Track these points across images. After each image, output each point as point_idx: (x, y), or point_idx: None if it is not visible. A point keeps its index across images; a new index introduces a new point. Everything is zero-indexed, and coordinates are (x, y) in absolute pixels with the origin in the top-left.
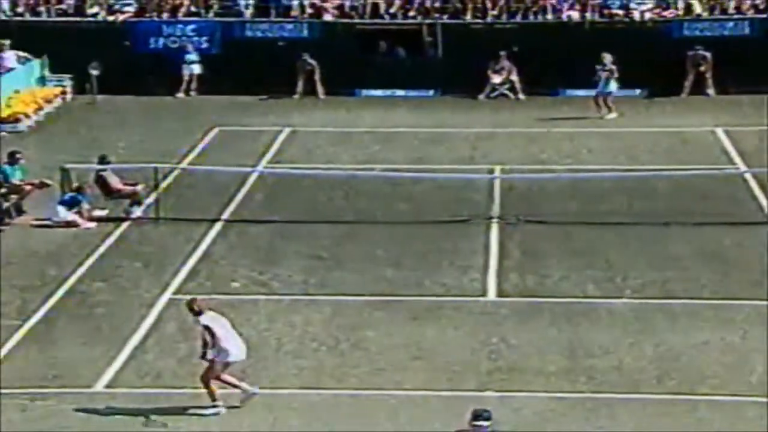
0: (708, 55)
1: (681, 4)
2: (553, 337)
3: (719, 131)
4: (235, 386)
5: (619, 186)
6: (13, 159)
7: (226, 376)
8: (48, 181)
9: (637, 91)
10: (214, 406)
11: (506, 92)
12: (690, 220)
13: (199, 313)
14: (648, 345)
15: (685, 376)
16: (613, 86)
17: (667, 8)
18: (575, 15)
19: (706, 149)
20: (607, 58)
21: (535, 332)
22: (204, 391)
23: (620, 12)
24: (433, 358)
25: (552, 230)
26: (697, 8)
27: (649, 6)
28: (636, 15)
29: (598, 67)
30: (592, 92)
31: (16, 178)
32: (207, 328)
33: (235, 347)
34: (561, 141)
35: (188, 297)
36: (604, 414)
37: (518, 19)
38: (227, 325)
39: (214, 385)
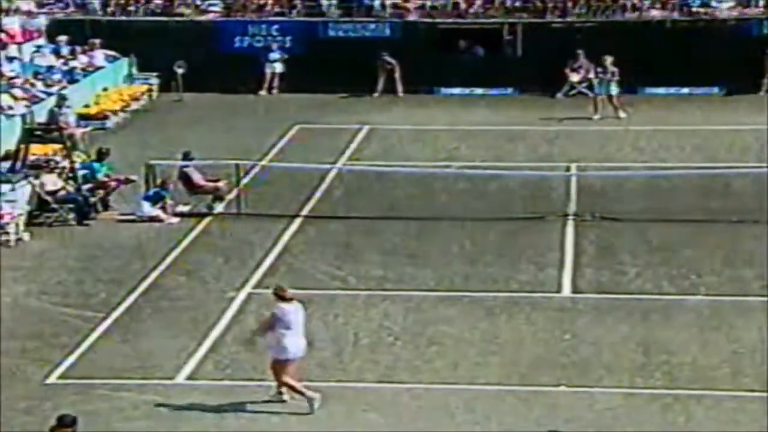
0: None
1: (762, 2)
2: (627, 333)
3: None
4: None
5: (695, 183)
6: (101, 156)
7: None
8: (133, 177)
9: (716, 89)
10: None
11: (584, 90)
12: (765, 217)
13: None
14: (723, 342)
15: (761, 372)
16: (614, 89)
17: (747, 6)
18: (657, 14)
19: None
20: (608, 60)
21: (610, 328)
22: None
23: (701, 10)
24: (508, 354)
25: (627, 227)
26: None
27: (731, 4)
28: (717, 13)
29: (599, 69)
30: (671, 90)
31: (102, 174)
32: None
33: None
34: (638, 139)
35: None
36: (679, 410)
37: (599, 17)
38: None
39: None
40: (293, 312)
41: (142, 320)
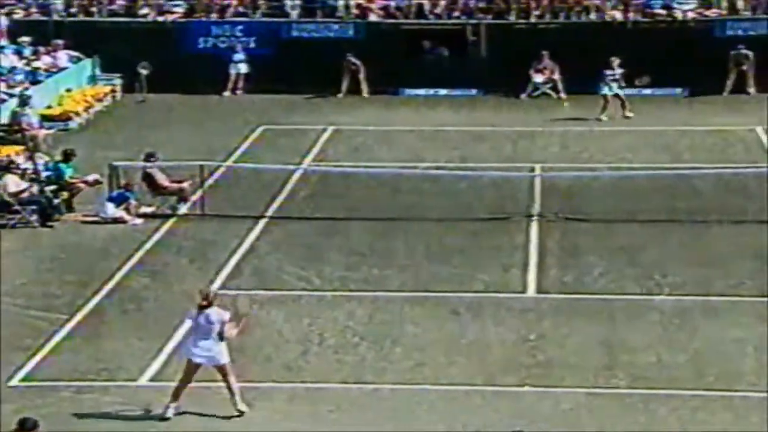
0: (750, 53)
1: (724, 4)
2: (591, 333)
3: (760, 130)
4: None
5: (659, 184)
6: (67, 157)
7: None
8: (100, 179)
9: (679, 90)
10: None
11: (548, 91)
12: (730, 217)
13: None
14: (687, 341)
15: (724, 372)
16: (618, 89)
17: (709, 8)
18: (618, 15)
19: (746, 147)
20: (616, 62)
21: (574, 328)
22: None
23: (662, 12)
24: (473, 354)
25: (592, 228)
26: (741, 7)
27: (692, 6)
28: (678, 14)
29: (607, 71)
30: (635, 91)
31: (68, 176)
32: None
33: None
34: (602, 139)
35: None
36: (642, 409)
37: (561, 19)
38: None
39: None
40: (202, 319)
41: (106, 322)
